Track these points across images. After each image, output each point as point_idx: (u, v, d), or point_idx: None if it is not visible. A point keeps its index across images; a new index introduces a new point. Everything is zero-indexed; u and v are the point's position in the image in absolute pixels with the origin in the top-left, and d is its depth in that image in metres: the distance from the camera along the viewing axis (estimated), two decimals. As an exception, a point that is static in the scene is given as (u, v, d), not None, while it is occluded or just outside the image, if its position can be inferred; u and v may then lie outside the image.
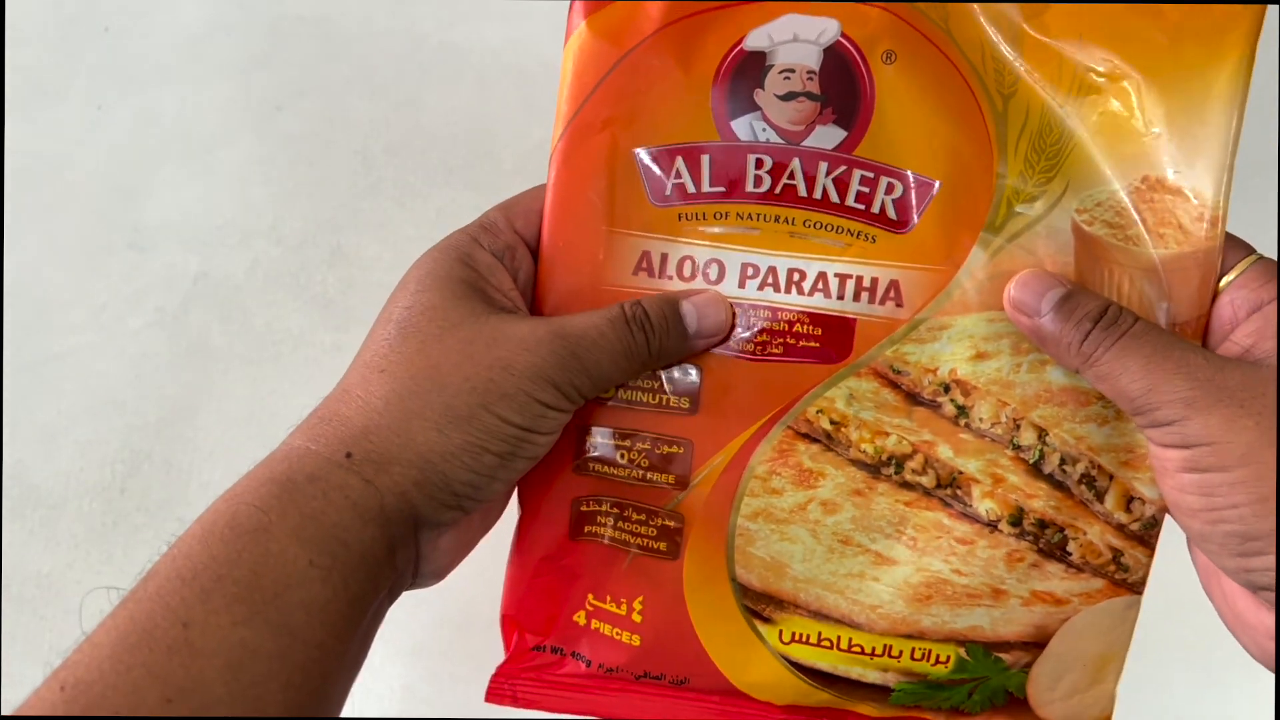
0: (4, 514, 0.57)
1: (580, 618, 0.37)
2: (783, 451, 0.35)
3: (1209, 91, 0.32)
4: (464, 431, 0.31)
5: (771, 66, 0.34)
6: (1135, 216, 0.32)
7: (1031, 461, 0.33)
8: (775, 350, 0.34)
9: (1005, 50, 0.33)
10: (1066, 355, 0.32)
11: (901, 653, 0.35)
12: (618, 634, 0.37)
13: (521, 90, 0.60)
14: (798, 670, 0.36)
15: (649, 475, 0.35)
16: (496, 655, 0.38)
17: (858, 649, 0.35)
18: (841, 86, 0.34)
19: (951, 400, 0.34)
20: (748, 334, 0.35)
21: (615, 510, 0.36)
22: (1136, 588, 0.34)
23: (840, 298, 0.34)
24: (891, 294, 0.34)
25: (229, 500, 0.30)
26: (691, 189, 0.35)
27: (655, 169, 0.35)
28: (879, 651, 0.35)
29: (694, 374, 0.35)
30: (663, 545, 0.36)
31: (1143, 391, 0.30)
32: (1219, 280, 0.33)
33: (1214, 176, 0.32)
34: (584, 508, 0.36)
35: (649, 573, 0.36)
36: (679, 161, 0.35)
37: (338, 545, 0.30)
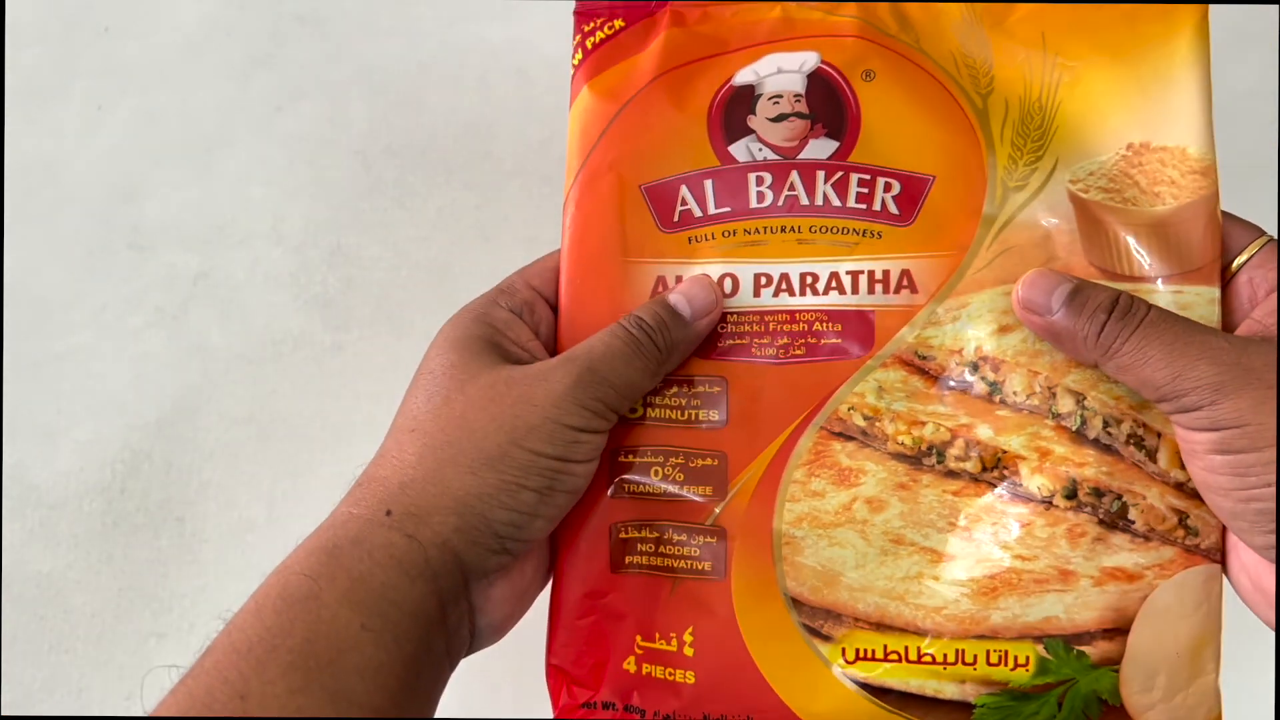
0: (4, 514, 0.57)
1: (630, 664, 0.36)
2: (819, 453, 0.35)
3: (1174, 57, 0.33)
4: (498, 471, 0.32)
5: (760, 95, 0.37)
6: (1129, 180, 0.33)
7: (1074, 429, 0.33)
8: (798, 352, 0.35)
9: (976, 57, 0.35)
10: (1084, 349, 0.32)
11: (976, 658, 0.33)
12: (671, 674, 0.35)
13: (521, 90, 0.60)
14: (868, 692, 0.33)
15: (685, 490, 0.35)
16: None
17: (928, 659, 0.33)
18: (828, 104, 0.36)
19: (982, 378, 0.34)
20: (768, 340, 0.35)
21: (655, 535, 0.36)
22: (1212, 554, 0.33)
23: (855, 292, 0.35)
24: (905, 282, 0.35)
25: (279, 573, 0.30)
26: (698, 213, 0.36)
27: (662, 199, 0.37)
28: (952, 659, 0.33)
29: (719, 386, 0.36)
30: (707, 565, 0.35)
31: (1168, 379, 0.30)
32: (1233, 260, 0.33)
33: (1196, 131, 0.33)
34: (623, 535, 0.36)
35: (697, 598, 0.35)
36: (684, 189, 0.37)
37: (388, 606, 0.30)
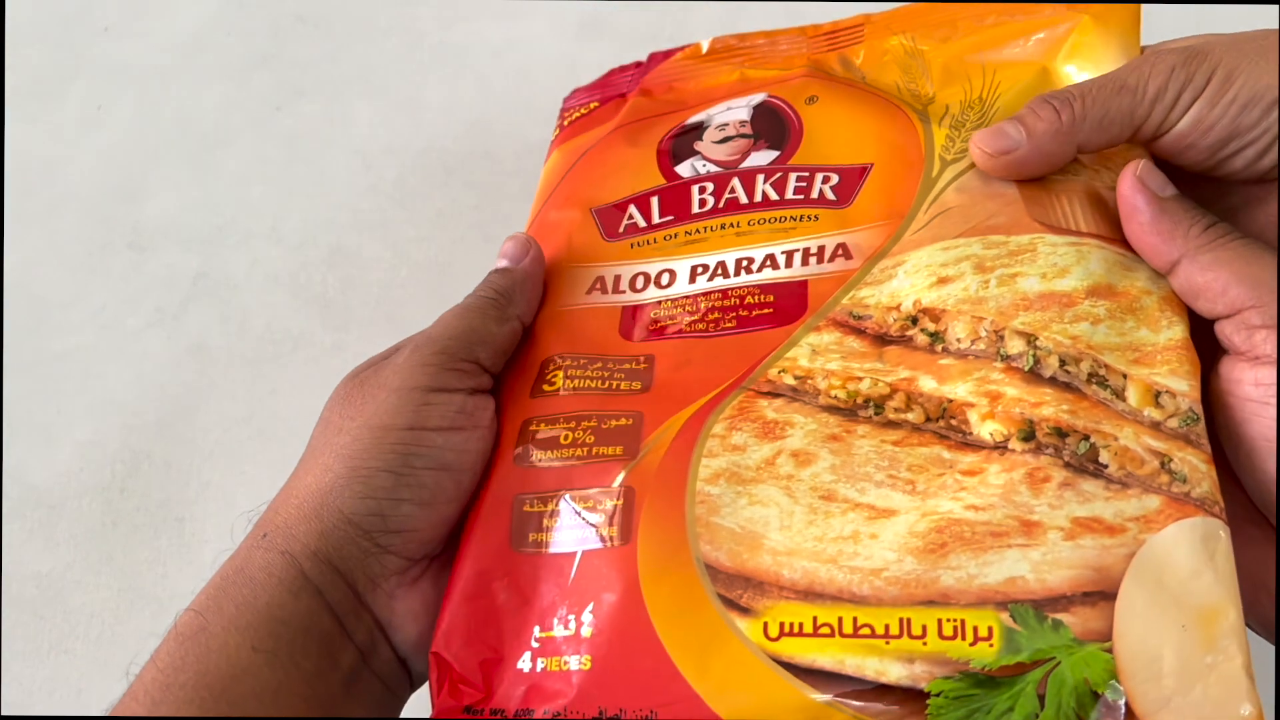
0: (4, 514, 0.57)
1: (526, 661, 0.29)
2: (743, 409, 0.30)
3: (1105, 42, 0.35)
4: (347, 460, 0.30)
5: (708, 126, 0.40)
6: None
7: (1027, 369, 0.28)
8: (729, 324, 0.33)
9: (919, 84, 0.38)
10: (1184, 237, 0.29)
11: (926, 629, 0.26)
12: (564, 664, 0.29)
13: (521, 90, 0.60)
14: (795, 674, 0.26)
15: (595, 450, 0.31)
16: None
17: (866, 630, 0.26)
18: (771, 125, 0.38)
19: (922, 330, 0.30)
20: (698, 316, 0.34)
21: (561, 507, 0.31)
22: (1208, 505, 0.26)
23: (789, 266, 0.34)
24: (840, 252, 0.34)
25: (174, 619, 0.30)
26: (643, 224, 0.38)
27: (610, 217, 0.38)
28: (895, 631, 0.26)
29: (646, 363, 0.33)
30: (613, 531, 0.29)
31: (1274, 282, 0.27)
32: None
33: None
34: (526, 508, 0.31)
35: (599, 570, 0.29)
36: (631, 207, 0.38)
37: (277, 625, 0.28)
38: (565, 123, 0.43)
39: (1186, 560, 0.25)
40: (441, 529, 0.31)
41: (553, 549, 0.30)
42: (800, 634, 0.27)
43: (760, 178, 0.37)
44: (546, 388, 0.33)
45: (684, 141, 0.39)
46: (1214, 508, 0.26)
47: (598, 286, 0.37)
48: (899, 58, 0.39)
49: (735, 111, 0.39)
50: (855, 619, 0.26)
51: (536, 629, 0.29)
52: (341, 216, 0.61)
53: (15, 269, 0.61)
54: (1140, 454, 0.27)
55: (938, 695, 0.25)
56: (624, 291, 0.36)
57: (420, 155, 0.61)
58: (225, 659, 0.28)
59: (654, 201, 0.38)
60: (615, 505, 0.30)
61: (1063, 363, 0.28)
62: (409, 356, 0.33)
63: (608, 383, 0.33)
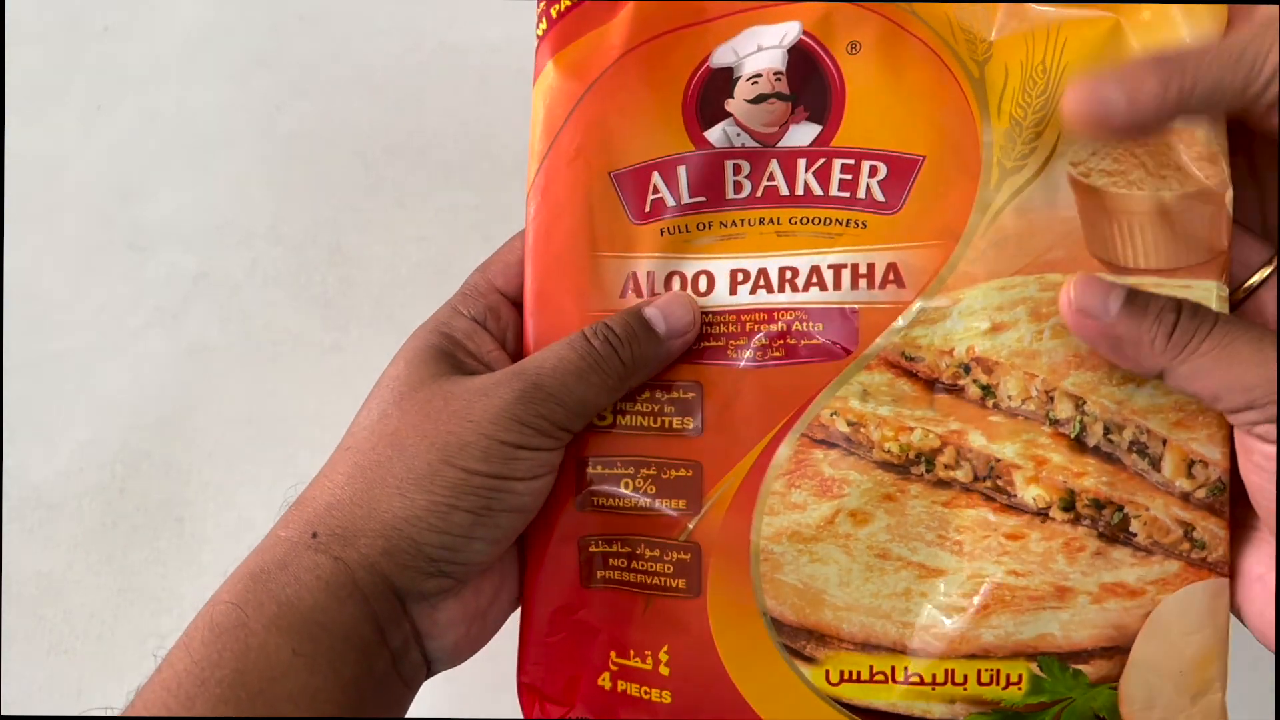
0: (4, 514, 0.57)
1: (605, 680, 0.34)
2: (800, 462, 0.32)
3: (1194, 25, 0.30)
4: (427, 491, 0.30)
5: (739, 78, 0.34)
6: (1134, 160, 0.31)
7: (1073, 435, 0.31)
8: (776, 354, 0.33)
9: (976, 17, 0.32)
10: (1150, 353, 0.28)
11: (966, 677, 0.31)
12: (646, 693, 0.33)
13: (521, 90, 0.60)
14: (852, 713, 0.32)
15: (657, 503, 0.33)
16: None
17: (915, 679, 0.31)
18: (810, 82, 0.33)
19: (974, 381, 0.31)
20: (745, 341, 0.33)
21: (627, 549, 0.34)
22: (1219, 568, 0.30)
23: (837, 288, 0.32)
24: (891, 277, 0.32)
25: (209, 603, 0.29)
26: (671, 202, 0.34)
27: (633, 187, 0.34)
28: (941, 679, 0.31)
29: (694, 392, 0.33)
30: (681, 583, 0.33)
31: (1261, 380, 0.27)
32: (1251, 275, 0.31)
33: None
34: (592, 548, 0.34)
35: (672, 616, 0.33)
36: (655, 177, 0.34)
37: (318, 629, 0.28)
38: (553, 12, 0.35)
39: (1193, 618, 0.30)
40: (500, 556, 0.33)
41: (622, 586, 0.34)
42: (857, 680, 0.31)
43: (802, 163, 0.33)
44: (599, 422, 0.34)
45: (712, 96, 0.34)
46: (1223, 569, 0.30)
47: (632, 287, 0.34)
48: None
49: (768, 54, 0.33)
50: (906, 668, 0.31)
51: (613, 654, 0.34)
52: (341, 216, 0.61)
53: (15, 269, 0.61)
54: (1168, 524, 0.30)
55: None
56: (660, 295, 0.34)
57: (420, 155, 0.61)
58: (265, 659, 0.28)
59: (682, 174, 0.33)
60: (683, 559, 0.33)
61: (1106, 430, 0.30)
62: (506, 401, 0.31)
63: (659, 419, 0.33)
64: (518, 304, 0.35)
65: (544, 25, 0.35)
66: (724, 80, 0.34)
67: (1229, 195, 0.30)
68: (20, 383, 0.59)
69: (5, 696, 0.53)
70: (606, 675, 0.34)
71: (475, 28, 0.62)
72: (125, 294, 0.60)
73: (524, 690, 0.35)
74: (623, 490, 0.33)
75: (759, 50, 0.34)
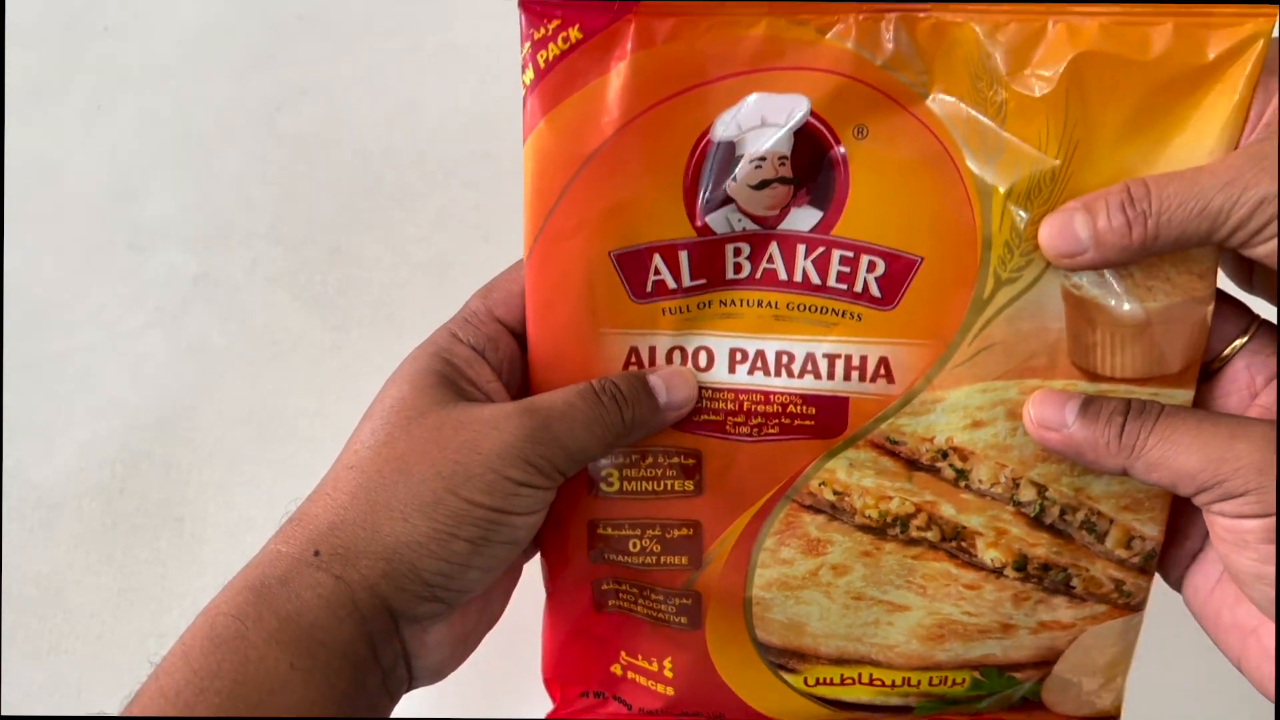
0: (4, 514, 0.57)
1: (617, 669, 0.39)
2: (789, 524, 0.35)
3: (1202, 142, 0.30)
4: (430, 519, 0.31)
5: (741, 156, 0.32)
6: (1124, 271, 0.31)
7: (1032, 515, 0.34)
8: (771, 431, 0.34)
9: (988, 107, 0.31)
10: (1108, 455, 0.31)
11: (920, 681, 0.37)
12: (652, 685, 0.38)
13: (521, 90, 0.60)
14: (824, 703, 0.38)
15: (663, 559, 0.36)
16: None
17: (879, 682, 0.37)
18: (814, 168, 0.33)
19: (950, 465, 0.34)
20: (742, 419, 0.35)
21: (634, 590, 0.37)
22: (1138, 607, 0.35)
23: (831, 378, 0.34)
24: (882, 371, 0.33)
25: (207, 613, 0.30)
26: (672, 285, 0.34)
27: (633, 267, 0.34)
28: (899, 683, 0.37)
29: (694, 459, 0.35)
30: (684, 619, 0.37)
31: (1204, 465, 0.29)
32: (1226, 347, 0.32)
33: None
34: (604, 586, 0.38)
35: (674, 639, 0.38)
36: (657, 259, 0.34)
37: (317, 645, 0.29)
38: (540, 61, 0.33)
39: (1111, 641, 0.36)
40: (491, 584, 0.34)
41: (631, 614, 0.38)
42: (831, 684, 0.37)
43: (801, 249, 0.33)
44: (606, 488, 0.36)
45: (714, 176, 0.33)
46: (1142, 606, 0.35)
47: (634, 361, 0.34)
48: (969, 59, 0.31)
49: (772, 134, 0.32)
50: (871, 674, 0.37)
51: (623, 653, 0.39)
52: (341, 216, 0.61)
53: (15, 269, 0.61)
54: (1103, 581, 0.35)
55: (919, 707, 0.38)
56: (663, 366, 0.35)
57: (420, 155, 0.61)
58: (263, 672, 0.28)
59: (683, 258, 0.33)
60: (685, 604, 0.37)
61: (1062, 512, 0.34)
62: (516, 437, 0.31)
63: (662, 484, 0.36)
64: (517, 335, 0.36)
65: (530, 73, 0.33)
66: (726, 156, 0.33)
67: (1210, 307, 0.32)
68: (20, 383, 0.59)
69: (5, 696, 0.53)
70: (618, 665, 0.39)
71: (475, 28, 0.63)
72: (125, 294, 0.60)
73: (548, 683, 0.40)
74: (631, 549, 0.36)
75: (763, 125, 0.32)
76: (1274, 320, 0.33)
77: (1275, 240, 0.29)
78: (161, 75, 0.63)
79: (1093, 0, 0.31)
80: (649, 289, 0.34)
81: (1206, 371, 0.33)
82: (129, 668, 0.57)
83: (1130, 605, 0.35)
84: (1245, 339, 0.32)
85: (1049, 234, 0.31)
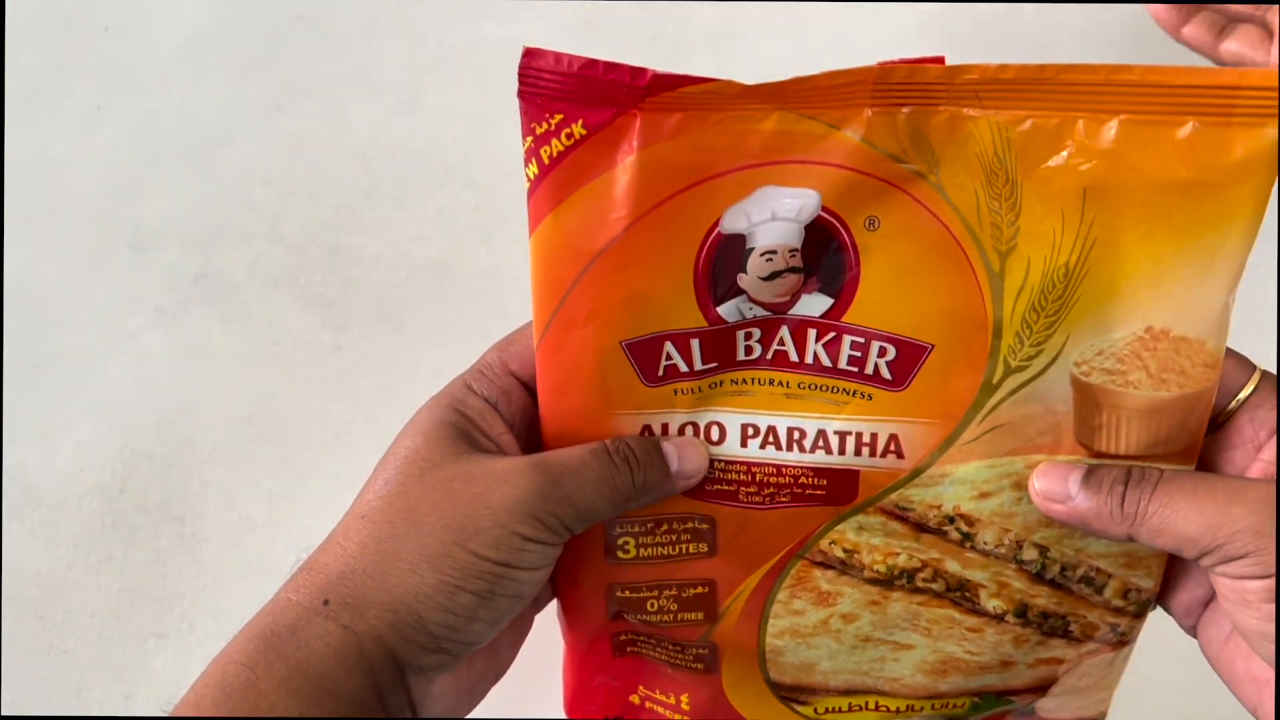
0: (4, 514, 0.57)
1: (635, 699, 0.40)
2: (801, 579, 0.36)
3: (1222, 244, 0.30)
4: (438, 570, 0.31)
5: (752, 250, 0.32)
6: (1138, 363, 0.32)
7: (1034, 572, 0.35)
8: (783, 499, 0.35)
9: (1002, 203, 0.31)
10: (1112, 524, 0.31)
11: (924, 707, 0.38)
12: (670, 715, 0.40)
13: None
14: None
15: (680, 616, 0.37)
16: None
17: (885, 709, 0.38)
18: (824, 259, 0.32)
19: (957, 529, 0.35)
20: (755, 489, 0.35)
21: (653, 641, 0.39)
22: (1132, 640, 0.37)
23: (842, 453, 0.34)
24: (892, 447, 0.34)
25: (219, 661, 0.30)
26: (684, 369, 0.34)
27: (645, 355, 0.34)
28: (904, 709, 0.38)
29: (708, 524, 0.36)
30: (700, 666, 0.38)
31: (1203, 530, 0.30)
32: (1230, 401, 0.33)
33: (1219, 326, 0.31)
34: (623, 637, 0.39)
35: (690, 681, 0.39)
36: (669, 346, 0.34)
37: (325, 695, 0.30)
38: (544, 157, 0.32)
39: (1103, 670, 0.37)
40: (499, 636, 0.34)
41: (648, 659, 0.39)
42: (840, 712, 0.39)
43: (812, 334, 0.33)
44: (622, 555, 0.37)
45: (724, 268, 0.33)
46: (1134, 639, 0.36)
47: (647, 434, 0.35)
48: (984, 153, 0.30)
49: (783, 228, 0.32)
50: (877, 702, 0.38)
51: (641, 687, 0.40)
52: (341, 216, 0.61)
53: (15, 269, 0.61)
54: (1100, 626, 0.36)
55: None
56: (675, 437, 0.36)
57: (420, 155, 0.61)
58: None
59: (695, 346, 0.34)
60: (701, 653, 0.38)
61: (1063, 569, 0.35)
62: (526, 493, 0.32)
63: (677, 547, 0.37)
64: (530, 389, 0.36)
65: (534, 169, 0.33)
66: (736, 248, 0.32)
67: (1215, 392, 0.32)
68: (20, 383, 0.59)
69: (5, 696, 0.53)
70: (636, 696, 0.40)
71: (475, 28, 0.63)
72: (125, 294, 0.60)
73: (569, 713, 0.41)
74: (649, 609, 0.37)
75: (773, 219, 0.32)
76: (1274, 372, 0.33)
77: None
78: (161, 75, 0.63)
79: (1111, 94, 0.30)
80: (661, 374, 0.34)
81: (1211, 425, 0.33)
82: (129, 668, 0.57)
83: (1124, 642, 0.36)
84: (1248, 392, 0.32)
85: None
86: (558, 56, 0.31)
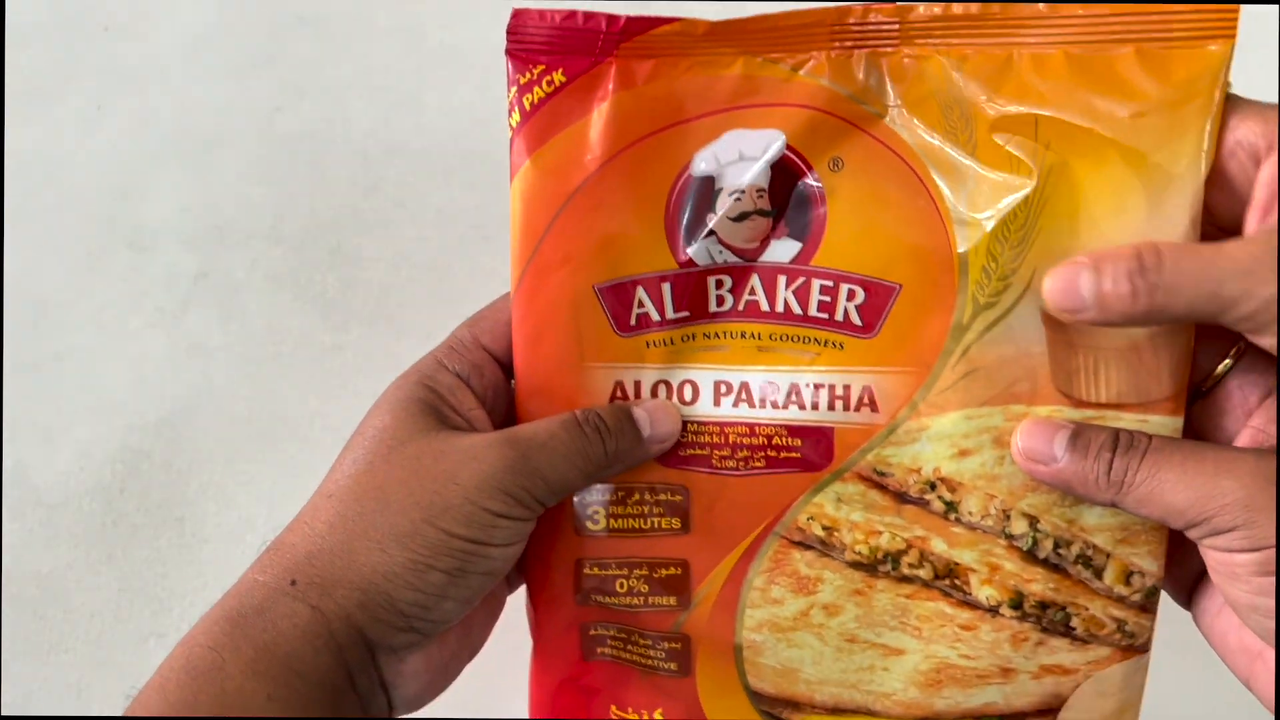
0: (4, 514, 0.57)
1: (609, 715, 0.39)
2: (779, 561, 0.35)
3: (1174, 164, 0.30)
4: (407, 549, 0.31)
5: (721, 190, 0.34)
6: None
7: (1025, 549, 0.34)
8: (758, 464, 0.35)
9: (960, 136, 0.32)
10: (1097, 490, 0.31)
11: None
12: None
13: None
14: None
15: (650, 599, 0.36)
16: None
17: None
18: (791, 199, 0.33)
19: (939, 497, 0.34)
20: (728, 452, 0.35)
21: (623, 635, 0.37)
22: (1143, 649, 0.34)
23: (815, 408, 0.34)
24: (866, 400, 0.34)
25: (184, 644, 0.30)
26: (656, 317, 0.35)
27: (617, 300, 0.35)
28: None
29: (681, 495, 0.35)
30: (673, 665, 0.37)
31: (1191, 502, 0.29)
32: (1218, 364, 0.32)
33: None
34: (593, 631, 0.37)
35: (664, 688, 0.37)
36: (640, 291, 0.34)
37: (294, 676, 0.29)
38: (525, 104, 0.34)
39: (1117, 686, 0.34)
40: (472, 614, 0.34)
41: (620, 661, 0.37)
42: None
43: (782, 280, 0.34)
44: (592, 526, 0.36)
45: (694, 209, 0.34)
46: (1147, 648, 0.34)
47: (619, 395, 0.35)
48: (939, 91, 0.32)
49: (750, 168, 0.33)
50: None
51: (613, 707, 0.38)
52: (341, 216, 0.61)
53: (15, 269, 0.61)
54: (1104, 620, 0.34)
55: None
56: (648, 399, 0.35)
57: (420, 155, 0.61)
58: (241, 704, 0.28)
59: (666, 290, 0.34)
60: (674, 648, 0.36)
61: (1056, 545, 0.33)
62: (495, 469, 0.31)
63: (649, 521, 0.36)
64: (502, 363, 0.36)
65: (517, 116, 0.34)
66: (705, 189, 0.34)
67: (1194, 335, 0.31)
68: (20, 383, 0.59)
69: (5, 696, 0.53)
70: (609, 712, 0.38)
71: (475, 28, 0.63)
72: (125, 294, 0.60)
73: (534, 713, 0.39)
74: (618, 589, 0.36)
75: (740, 159, 0.34)
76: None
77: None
78: (161, 75, 0.63)
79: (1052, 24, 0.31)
80: (633, 322, 0.35)
81: (1199, 392, 0.33)
82: (129, 668, 0.57)
83: (1134, 647, 0.34)
84: (1230, 361, 0.32)
85: (1052, 288, 0.30)
86: (542, 13, 0.34)
